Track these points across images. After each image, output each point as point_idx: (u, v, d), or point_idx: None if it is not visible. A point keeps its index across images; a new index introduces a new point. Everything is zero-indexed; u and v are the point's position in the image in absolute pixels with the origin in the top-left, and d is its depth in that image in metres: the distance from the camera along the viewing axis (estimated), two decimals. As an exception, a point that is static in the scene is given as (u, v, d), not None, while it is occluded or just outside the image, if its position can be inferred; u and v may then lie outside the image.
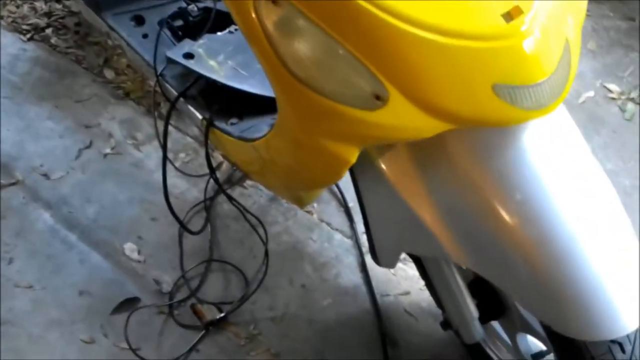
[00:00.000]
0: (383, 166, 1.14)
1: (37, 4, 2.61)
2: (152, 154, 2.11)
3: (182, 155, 2.11)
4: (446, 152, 1.07)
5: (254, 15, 1.02)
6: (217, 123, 1.50)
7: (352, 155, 1.05)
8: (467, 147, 1.06)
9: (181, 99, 1.57)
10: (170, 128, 2.15)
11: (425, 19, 0.95)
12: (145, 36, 1.68)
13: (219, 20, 1.66)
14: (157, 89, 1.63)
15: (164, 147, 1.58)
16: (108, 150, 2.12)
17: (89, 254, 1.87)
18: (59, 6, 2.60)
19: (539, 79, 0.96)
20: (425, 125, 0.99)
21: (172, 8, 1.71)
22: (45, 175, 2.05)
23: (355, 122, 1.00)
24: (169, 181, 1.86)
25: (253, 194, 1.99)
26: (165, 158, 1.59)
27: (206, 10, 1.69)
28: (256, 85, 1.49)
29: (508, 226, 1.03)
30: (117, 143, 2.14)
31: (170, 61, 1.56)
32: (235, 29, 1.63)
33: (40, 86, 2.32)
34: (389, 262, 1.28)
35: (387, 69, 0.96)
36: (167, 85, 1.61)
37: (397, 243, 1.22)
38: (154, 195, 1.99)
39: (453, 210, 1.09)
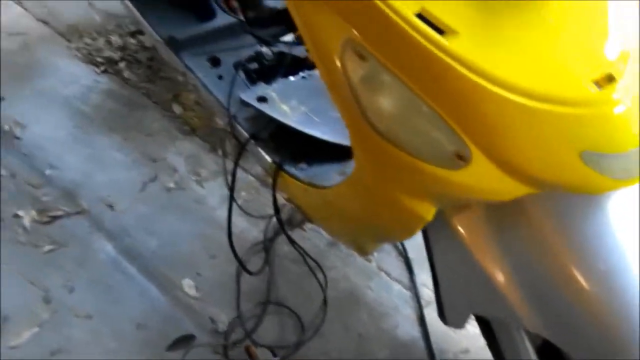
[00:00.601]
0: (457, 224, 1.12)
1: (112, 38, 2.70)
2: (214, 191, 2.13)
3: (243, 193, 2.12)
4: (526, 215, 1.04)
5: (339, 66, 1.02)
6: (286, 167, 1.51)
7: (429, 213, 1.04)
8: (548, 212, 1.03)
9: (251, 141, 1.59)
10: (231, 166, 2.19)
11: (513, 81, 0.93)
12: (220, 77, 1.71)
13: (293, 65, 1.68)
14: (228, 129, 1.65)
15: (231, 188, 1.59)
16: (172, 185, 2.15)
17: (148, 287, 1.88)
18: (133, 41, 2.68)
19: (629, 147, 0.93)
20: (507, 188, 0.97)
21: (248, 51, 1.74)
22: (110, 206, 2.09)
23: (435, 180, 0.98)
24: (227, 217, 1.89)
25: (312, 237, 1.98)
26: (231, 199, 1.60)
27: (281, 55, 1.72)
28: (327, 131, 1.49)
29: (589, 296, 0.99)
30: (181, 178, 2.17)
31: (244, 103, 1.58)
32: (309, 75, 1.65)
33: (111, 118, 2.37)
34: (457, 323, 1.25)
35: (472, 129, 0.95)
36: (239, 127, 1.63)
37: (467, 304, 1.19)
38: (214, 232, 2.01)
39: (529, 275, 1.06)
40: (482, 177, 0.96)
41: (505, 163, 0.95)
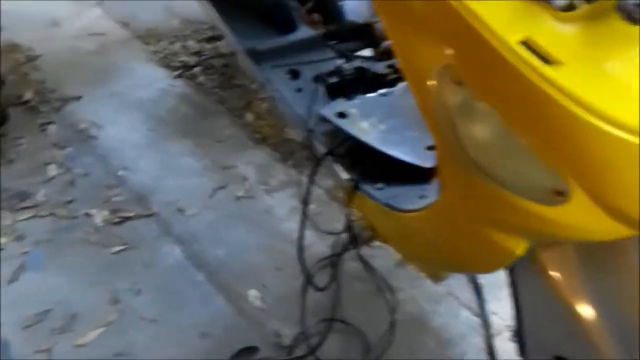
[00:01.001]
0: (546, 262, 1.07)
1: (189, 43, 2.73)
2: (283, 202, 2.12)
3: (312, 206, 2.08)
4: (624, 258, 0.99)
5: (434, 90, 0.99)
6: (362, 186, 1.48)
7: (519, 249, 0.99)
8: (651, 257, 0.97)
9: (328, 157, 1.57)
10: (303, 178, 2.17)
11: (619, 116, 0.87)
12: (299, 90, 1.70)
13: (373, 81, 1.66)
14: (304, 142, 1.63)
15: (304, 203, 1.57)
16: (241, 194, 2.15)
17: (214, 295, 1.88)
18: (209, 46, 2.70)
19: None
20: (606, 228, 0.91)
21: (328, 65, 1.72)
22: (180, 211, 2.10)
23: (530, 216, 0.94)
24: (298, 232, 1.87)
25: (380, 255, 1.94)
26: (304, 216, 1.58)
27: (360, 70, 1.69)
28: (408, 152, 1.45)
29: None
30: (251, 187, 2.17)
31: (323, 119, 1.56)
32: (389, 92, 1.62)
33: (184, 123, 2.40)
34: (538, 362, 1.19)
35: (572, 164, 0.90)
36: (316, 141, 1.61)
37: (552, 344, 1.14)
38: (281, 244, 1.99)
39: (623, 322, 1.00)
40: (580, 215, 0.91)
41: (607, 202, 0.89)
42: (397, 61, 1.08)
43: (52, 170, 2.25)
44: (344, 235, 1.69)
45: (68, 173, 2.24)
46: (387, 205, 1.40)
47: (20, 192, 2.20)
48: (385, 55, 1.77)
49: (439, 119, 0.99)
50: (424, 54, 1.00)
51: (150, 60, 2.66)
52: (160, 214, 2.10)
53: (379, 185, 1.47)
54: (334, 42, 1.79)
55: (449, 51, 0.94)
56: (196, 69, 2.60)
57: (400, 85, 1.64)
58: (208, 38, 2.73)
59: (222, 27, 1.88)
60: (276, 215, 2.09)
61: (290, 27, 1.78)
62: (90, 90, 2.54)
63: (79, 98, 2.51)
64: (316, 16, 1.85)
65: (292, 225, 2.04)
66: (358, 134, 1.50)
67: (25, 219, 2.11)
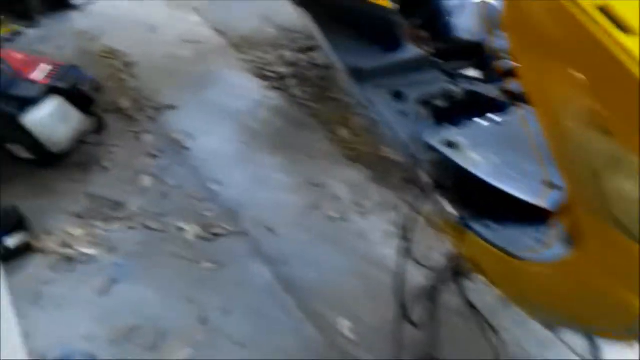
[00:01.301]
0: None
1: (285, 53, 2.67)
2: (377, 225, 2.03)
3: (409, 233, 2.00)
4: None
5: (571, 133, 0.88)
6: (470, 222, 1.37)
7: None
8: None
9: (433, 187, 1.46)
10: (396, 200, 2.07)
11: None
12: (402, 113, 1.60)
13: (484, 105, 1.54)
14: (408, 170, 1.53)
15: (405, 239, 1.47)
16: (334, 214, 2.07)
17: (304, 322, 1.81)
18: (304, 57, 2.64)
19: None
20: None
21: (435, 87, 1.61)
22: (271, 230, 2.04)
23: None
24: (392, 259, 1.77)
25: (482, 291, 1.82)
26: (405, 252, 1.48)
27: (470, 94, 1.57)
28: (524, 189, 1.33)
29: None
30: (344, 208, 2.09)
31: (428, 146, 1.46)
32: (503, 120, 1.49)
33: (276, 136, 2.34)
34: None
35: None
36: (419, 170, 1.50)
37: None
38: (374, 271, 1.91)
39: None
40: None
41: None
42: (522, 88, 0.97)
43: (145, 180, 2.24)
44: (444, 267, 1.59)
45: (161, 184, 2.23)
46: (498, 247, 1.28)
47: (114, 201, 2.20)
48: (497, 76, 1.65)
49: (575, 164, 0.88)
50: (562, 89, 0.88)
51: (245, 69, 2.62)
52: (250, 231, 2.04)
53: (490, 223, 1.35)
54: (441, 61, 1.68)
55: (598, 97, 0.82)
56: (291, 81, 2.54)
57: (514, 111, 1.51)
58: (304, 48, 2.67)
59: (322, 43, 1.80)
60: (370, 240, 1.99)
61: (395, 45, 1.68)
62: (185, 99, 2.52)
63: (173, 107, 2.49)
64: (422, 32, 1.74)
65: (386, 251, 1.95)
66: (468, 166, 1.39)
67: (118, 230, 2.10)
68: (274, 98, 2.48)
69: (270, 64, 2.62)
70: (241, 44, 2.75)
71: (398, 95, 1.63)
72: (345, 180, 2.16)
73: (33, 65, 2.24)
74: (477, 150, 1.42)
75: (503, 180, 1.36)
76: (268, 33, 2.79)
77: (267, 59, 2.65)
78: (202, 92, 2.55)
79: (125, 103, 2.53)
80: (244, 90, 2.53)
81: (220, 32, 2.84)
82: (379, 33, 1.70)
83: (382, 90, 1.64)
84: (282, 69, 2.59)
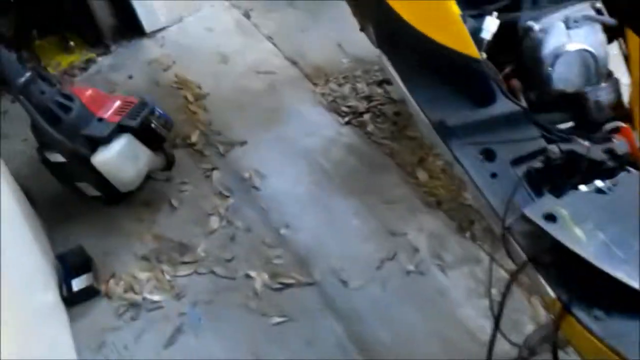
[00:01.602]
0: None
1: (359, 85, 2.56)
2: (459, 282, 1.88)
3: (493, 291, 1.84)
4: None
5: None
6: (574, 309, 1.21)
7: None
8: None
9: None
10: (480, 254, 1.93)
11: None
12: (493, 175, 1.45)
13: (588, 170, 1.37)
14: (500, 241, 1.38)
15: (497, 318, 1.33)
16: (411, 267, 1.93)
17: (378, 389, 1.69)
18: (379, 90, 2.52)
19: None
20: None
21: (530, 146, 1.46)
22: (344, 282, 1.93)
23: None
24: (475, 321, 1.64)
25: (575, 364, 1.66)
26: (496, 329, 1.34)
27: (572, 155, 1.41)
28: (634, 273, 1.17)
29: None
30: (422, 260, 1.95)
31: (526, 219, 1.31)
32: (610, 188, 1.33)
33: (350, 178, 2.23)
34: None
35: None
36: (513, 241, 1.36)
37: None
38: (455, 334, 1.76)
39: None
40: None
41: None
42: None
43: (214, 222, 2.17)
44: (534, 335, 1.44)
45: (229, 227, 2.15)
46: (608, 345, 1.13)
47: (182, 244, 2.13)
48: (601, 134, 1.49)
49: None
50: None
51: (318, 103, 2.52)
52: (322, 283, 1.94)
53: (597, 313, 1.19)
54: (537, 115, 1.52)
55: None
56: (365, 116, 2.42)
57: (623, 177, 1.35)
58: (379, 81, 2.54)
59: (403, 92, 1.67)
60: (451, 298, 1.85)
61: (485, 98, 1.52)
62: (256, 134, 2.44)
63: (244, 143, 2.41)
64: (516, 82, 1.59)
65: (468, 311, 1.80)
66: (570, 244, 1.23)
67: (185, 275, 2.04)
68: (348, 135, 2.37)
69: (344, 98, 2.51)
70: (314, 75, 2.64)
71: (488, 154, 1.48)
72: (423, 229, 2.03)
73: (104, 102, 2.20)
74: (580, 225, 1.26)
75: (611, 263, 1.20)
76: (342, 63, 2.68)
77: (341, 92, 2.54)
78: (274, 127, 2.46)
79: (195, 137, 2.47)
80: (317, 126, 2.42)
81: (293, 61, 2.74)
82: (467, 84, 1.55)
83: (471, 148, 1.49)
84: (357, 103, 2.47)
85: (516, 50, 1.59)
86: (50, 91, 2.06)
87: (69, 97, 2.09)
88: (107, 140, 2.09)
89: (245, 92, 2.65)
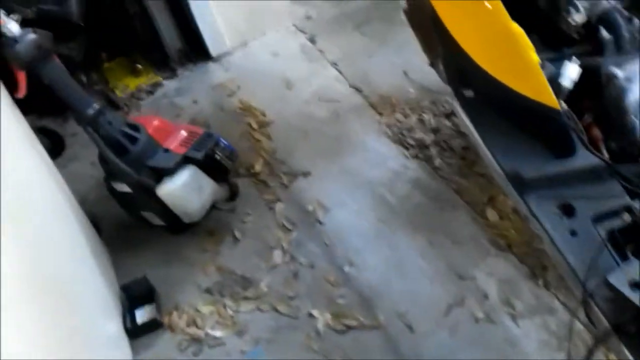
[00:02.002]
0: None
1: (425, 117, 2.50)
2: (530, 332, 1.80)
3: (566, 344, 1.76)
4: None
5: None
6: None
7: None
8: None
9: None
10: (554, 303, 1.84)
11: None
12: (573, 233, 1.37)
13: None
14: (580, 305, 1.31)
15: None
16: (481, 315, 1.86)
17: None
18: (447, 123, 2.45)
19: None
20: None
21: (612, 203, 1.38)
22: (409, 327, 1.88)
23: None
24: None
25: None
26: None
27: (661, 212, 1.32)
28: None
29: None
30: (492, 308, 1.88)
31: (609, 285, 1.23)
32: None
33: (416, 215, 2.17)
34: None
35: None
36: (595, 307, 1.28)
37: None
38: (527, 389, 1.68)
39: None
40: None
41: None
42: None
43: (277, 256, 2.15)
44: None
45: (292, 262, 2.12)
46: None
47: (244, 278, 2.12)
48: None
49: None
50: None
51: (383, 133, 2.47)
52: (386, 327, 1.89)
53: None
54: (620, 169, 1.43)
55: None
56: (432, 150, 2.36)
57: None
58: (446, 112, 2.47)
59: (475, 139, 1.61)
60: (522, 349, 1.77)
61: (565, 149, 1.45)
62: (320, 164, 2.41)
63: (307, 174, 2.38)
64: (596, 131, 1.51)
65: (541, 365, 1.72)
66: (659, 315, 1.16)
67: (247, 311, 2.02)
68: (414, 169, 2.31)
69: (410, 130, 2.45)
70: (380, 104, 2.60)
71: (568, 210, 1.40)
72: (493, 274, 1.95)
73: (170, 132, 2.20)
74: (673, 295, 1.18)
75: None
76: (408, 92, 2.63)
77: (407, 123, 2.48)
78: (338, 158, 2.42)
79: (258, 167, 2.45)
80: (382, 158, 2.37)
81: (358, 89, 2.70)
82: (545, 134, 1.48)
83: (548, 203, 1.42)
84: (423, 136, 2.42)
85: (598, 98, 1.51)
86: (118, 122, 2.07)
87: (135, 128, 2.10)
88: (172, 171, 2.09)
89: (310, 120, 2.62)
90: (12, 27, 1.80)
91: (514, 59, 1.43)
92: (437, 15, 1.58)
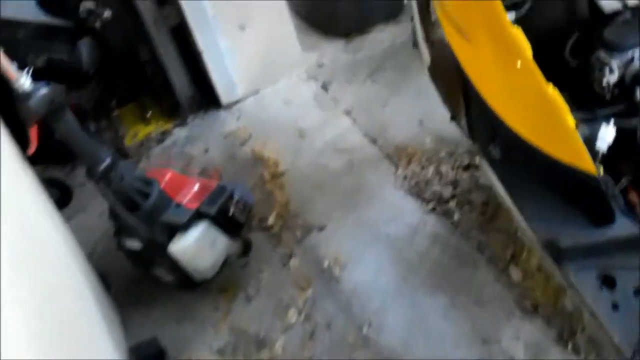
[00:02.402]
0: None
1: (443, 169, 2.43)
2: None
3: (601, 416, 1.67)
4: None
5: None
6: None
7: None
8: None
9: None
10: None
11: None
12: (615, 306, 1.30)
13: None
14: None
15: None
16: (510, 382, 1.78)
17: None
18: (465, 175, 2.39)
19: None
20: None
21: (656, 274, 1.31)
22: (433, 395, 1.79)
23: None
24: None
25: None
26: None
27: None
28: None
29: None
30: (520, 373, 1.79)
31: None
32: None
33: (437, 272, 2.09)
34: None
35: None
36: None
37: None
38: None
39: None
40: None
41: None
42: None
43: (292, 315, 2.07)
44: None
45: (308, 321, 2.04)
46: None
47: (258, 338, 2.04)
48: None
49: None
50: None
51: (399, 186, 2.41)
52: (409, 394, 1.80)
53: None
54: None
55: None
56: (451, 203, 2.29)
57: None
58: (465, 165, 2.41)
59: (507, 203, 1.54)
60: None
61: (606, 218, 1.38)
62: (335, 218, 2.35)
63: (322, 228, 2.32)
64: (635, 197, 1.44)
65: None
66: None
67: (262, 374, 1.93)
68: (433, 223, 2.24)
69: (427, 182, 2.39)
70: (395, 155, 2.54)
71: (608, 282, 1.33)
72: (519, 337, 1.87)
73: (182, 185, 2.15)
74: None
75: None
76: (424, 142, 2.57)
77: (423, 176, 2.42)
78: (353, 211, 2.36)
79: (272, 220, 2.39)
80: (399, 212, 2.31)
81: (372, 139, 2.65)
82: (582, 200, 1.41)
83: (588, 273, 1.35)
84: (441, 189, 2.35)
85: (635, 161, 1.45)
86: (130, 177, 2.02)
87: (147, 182, 2.05)
88: (184, 227, 2.03)
89: (324, 171, 2.57)
90: (24, 82, 1.75)
91: (549, 121, 1.37)
92: (465, 72, 1.53)
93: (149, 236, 2.00)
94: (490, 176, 1.64)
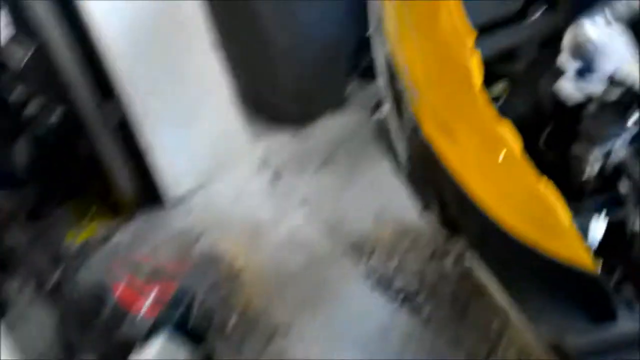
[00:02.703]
0: None
1: (407, 260, 2.36)
2: None
3: None
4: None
5: None
6: None
7: None
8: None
9: None
10: None
11: None
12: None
13: None
14: None
15: None
16: None
17: None
18: (431, 266, 2.31)
19: None
20: None
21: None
22: None
23: None
24: None
25: None
26: None
27: None
28: None
29: None
30: None
31: None
32: None
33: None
34: None
35: None
36: None
37: None
38: None
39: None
40: None
41: None
42: None
43: None
44: None
45: None
46: None
47: None
48: None
49: None
50: None
51: (363, 282, 2.31)
52: None
53: None
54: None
55: None
56: (419, 297, 2.21)
57: None
58: (430, 254, 2.34)
59: (506, 304, 1.47)
60: None
61: (605, 313, 1.32)
62: (299, 319, 2.22)
63: (286, 331, 2.18)
64: (629, 289, 1.39)
65: None
66: None
67: None
68: (404, 322, 2.14)
69: (392, 276, 2.30)
70: (356, 247, 2.45)
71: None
72: None
73: (139, 292, 2.00)
74: None
75: None
76: (385, 233, 2.49)
77: (387, 269, 2.34)
78: (319, 311, 2.24)
79: (232, 324, 2.23)
80: (367, 311, 2.21)
81: (331, 230, 2.56)
82: (581, 297, 1.35)
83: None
84: (407, 283, 2.27)
85: (625, 254, 1.41)
86: (80, 289, 1.86)
87: (100, 296, 1.89)
88: (142, 341, 1.87)
89: (283, 267, 2.45)
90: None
91: (544, 216, 1.32)
92: (447, 169, 1.47)
93: (104, 355, 1.83)
94: (480, 272, 1.57)
